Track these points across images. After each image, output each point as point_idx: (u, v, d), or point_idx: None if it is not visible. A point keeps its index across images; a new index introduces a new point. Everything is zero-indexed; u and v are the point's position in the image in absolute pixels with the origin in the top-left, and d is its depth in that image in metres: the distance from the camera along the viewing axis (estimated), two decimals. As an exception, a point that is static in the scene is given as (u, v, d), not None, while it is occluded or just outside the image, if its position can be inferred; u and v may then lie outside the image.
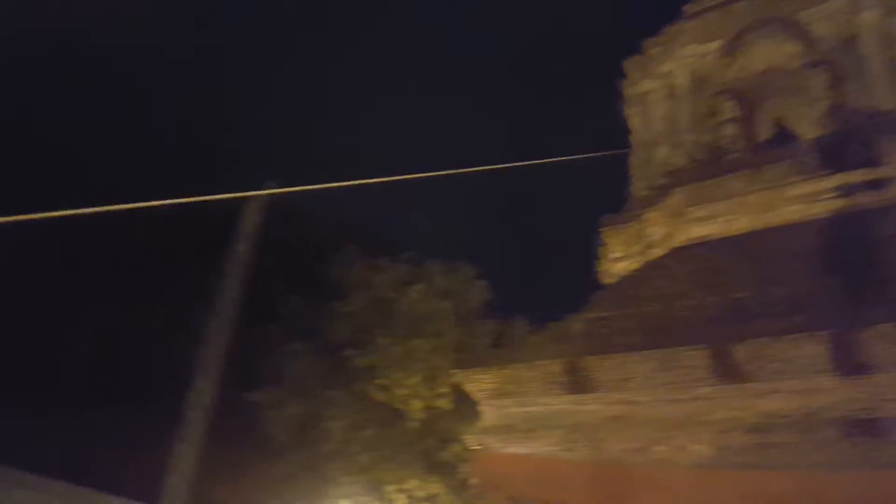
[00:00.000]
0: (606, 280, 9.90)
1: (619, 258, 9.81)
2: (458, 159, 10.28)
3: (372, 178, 8.23)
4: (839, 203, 8.21)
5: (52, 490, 13.87)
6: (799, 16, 9.49)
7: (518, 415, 8.32)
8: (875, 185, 8.08)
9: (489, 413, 8.67)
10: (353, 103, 36.85)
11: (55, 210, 5.50)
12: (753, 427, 6.84)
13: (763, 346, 6.69)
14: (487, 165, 9.76)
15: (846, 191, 8.21)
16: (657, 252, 9.28)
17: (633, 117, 10.87)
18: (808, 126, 9.26)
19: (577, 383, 7.73)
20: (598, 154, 11.24)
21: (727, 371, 6.88)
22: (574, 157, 10.80)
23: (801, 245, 7.92)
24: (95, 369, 18.19)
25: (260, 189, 14.21)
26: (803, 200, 8.40)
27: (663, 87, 10.45)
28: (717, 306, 7.57)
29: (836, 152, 8.35)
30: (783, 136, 9.55)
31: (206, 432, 12.45)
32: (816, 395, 6.57)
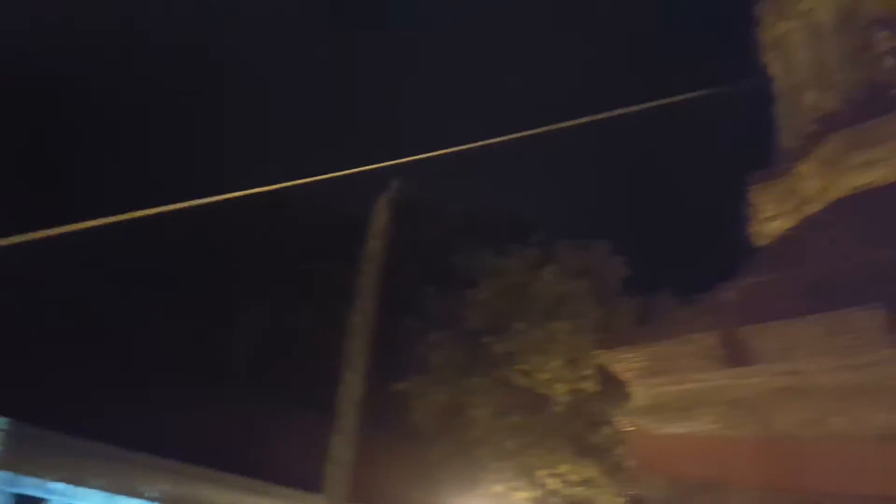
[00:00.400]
0: (759, 243, 9.21)
1: (771, 217, 9.07)
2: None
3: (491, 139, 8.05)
4: None
5: (228, 483, 15.04)
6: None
7: (672, 393, 7.92)
8: None
9: (640, 393, 8.33)
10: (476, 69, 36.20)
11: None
12: (946, 392, 6.09)
13: (952, 300, 5.94)
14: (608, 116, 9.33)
15: None
16: (814, 207, 8.48)
17: (774, 63, 10.00)
18: None
19: (736, 356, 7.22)
20: (728, 87, 10.50)
21: (910, 331, 6.17)
22: (700, 92, 10.15)
23: None
24: (256, 368, 19.55)
25: (388, 188, 14.57)
26: None
27: (805, 26, 9.52)
28: (891, 261, 6.79)
29: None
30: (954, 64, 8.41)
31: (359, 423, 12.98)
32: None
